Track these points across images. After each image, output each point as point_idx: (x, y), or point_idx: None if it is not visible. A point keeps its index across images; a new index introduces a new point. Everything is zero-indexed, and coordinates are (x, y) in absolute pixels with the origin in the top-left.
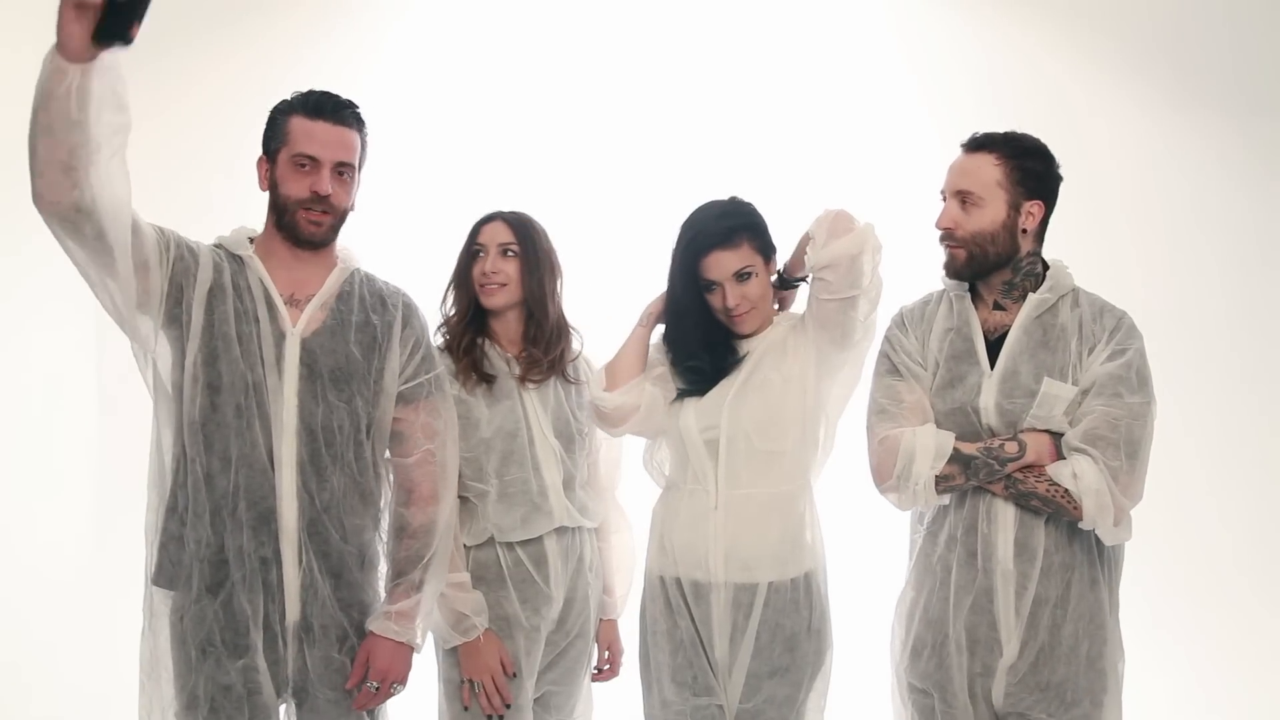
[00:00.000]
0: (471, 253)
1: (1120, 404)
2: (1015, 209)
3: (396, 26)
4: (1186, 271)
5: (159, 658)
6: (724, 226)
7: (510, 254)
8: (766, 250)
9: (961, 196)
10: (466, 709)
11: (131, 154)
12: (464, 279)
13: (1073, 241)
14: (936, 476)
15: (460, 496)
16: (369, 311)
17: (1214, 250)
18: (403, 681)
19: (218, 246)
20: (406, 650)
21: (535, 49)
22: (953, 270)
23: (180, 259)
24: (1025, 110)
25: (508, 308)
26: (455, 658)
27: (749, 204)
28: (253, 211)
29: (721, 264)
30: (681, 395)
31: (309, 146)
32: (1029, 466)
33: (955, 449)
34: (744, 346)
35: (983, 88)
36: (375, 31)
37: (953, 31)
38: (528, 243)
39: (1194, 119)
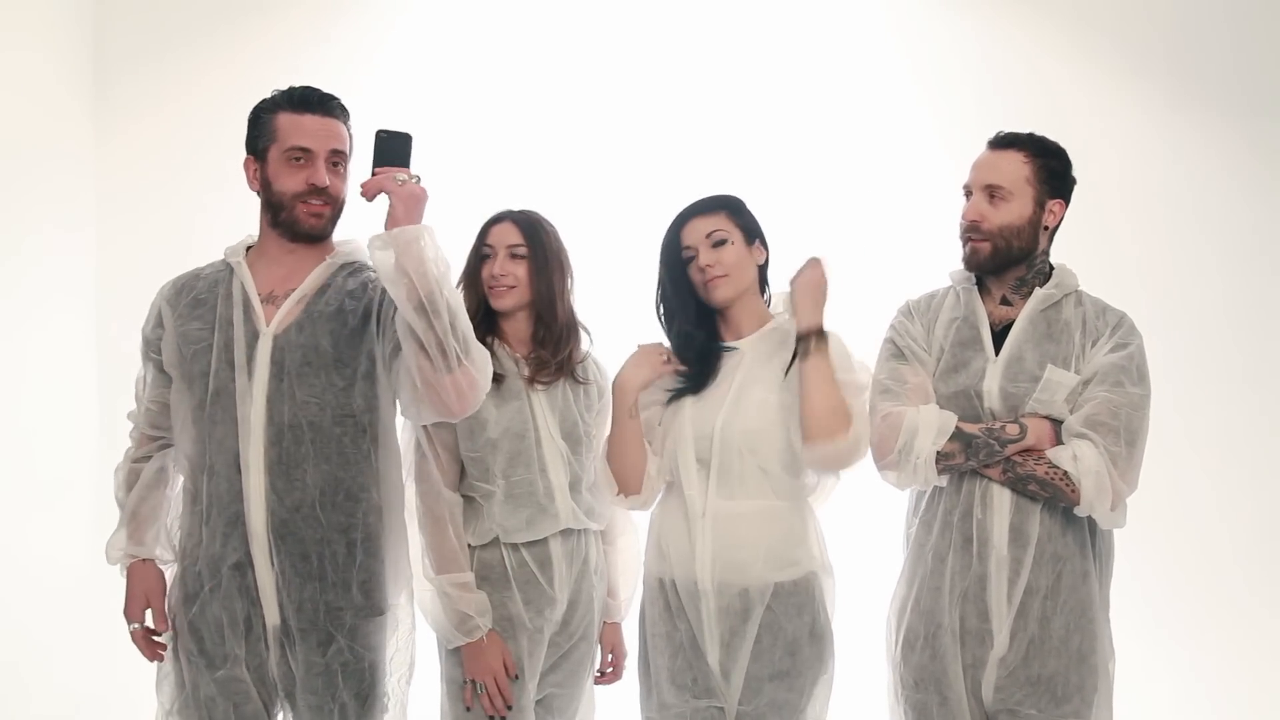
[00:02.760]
0: (480, 254)
1: (1121, 392)
2: (1040, 206)
3: (396, 27)
4: (1186, 271)
5: (165, 668)
6: (704, 199)
7: (519, 256)
8: (748, 230)
9: (990, 191)
10: (469, 709)
11: (132, 153)
12: (473, 280)
13: (1073, 241)
14: (937, 453)
15: (466, 496)
16: (344, 299)
17: (1214, 250)
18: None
19: (222, 259)
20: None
21: (536, 48)
22: (975, 264)
23: (160, 362)
24: (1026, 110)
25: (517, 309)
26: (458, 658)
27: (736, 196)
28: (252, 211)
29: (696, 228)
30: (677, 395)
31: (301, 139)
32: (1028, 450)
33: (957, 428)
34: (736, 341)
35: (983, 88)
36: (375, 32)
37: (953, 32)
38: (536, 244)
39: (1194, 119)
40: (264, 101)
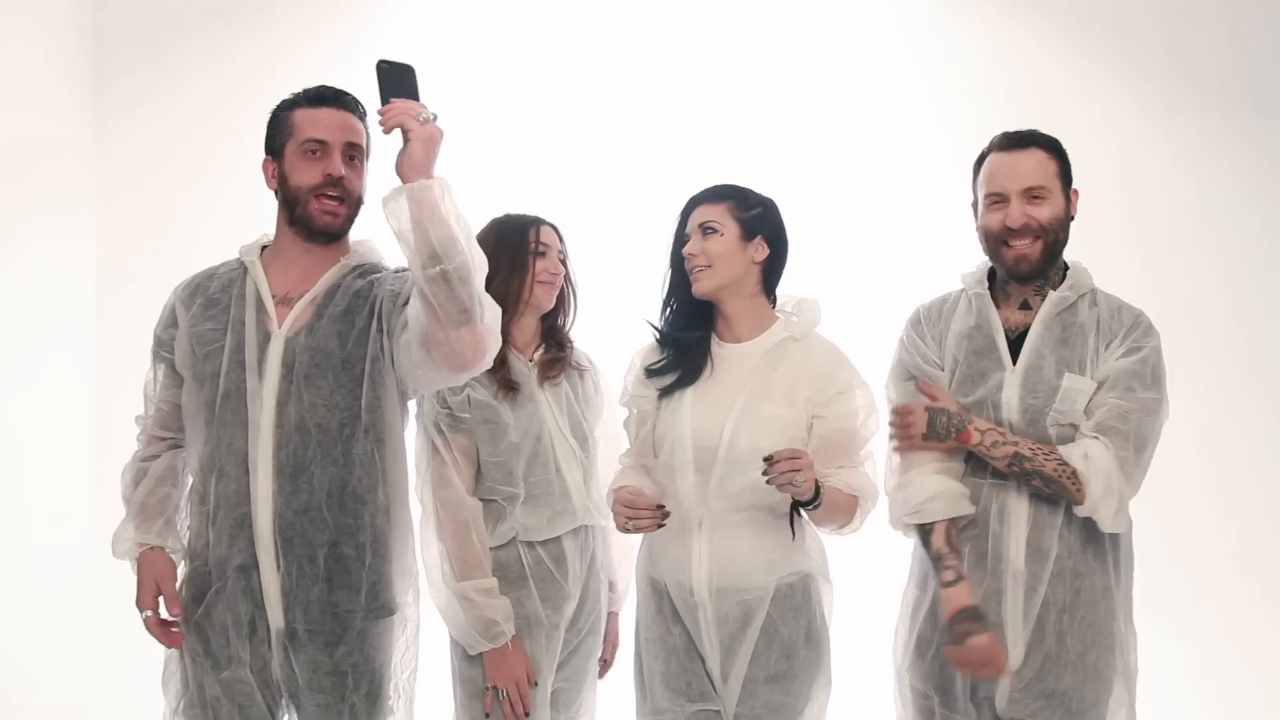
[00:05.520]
0: (536, 251)
1: (1132, 398)
2: (1067, 199)
3: (395, 26)
4: (1187, 271)
5: (170, 665)
6: (717, 186)
7: (562, 260)
8: (751, 227)
9: (1029, 193)
10: (488, 715)
11: (132, 151)
12: (522, 270)
13: (1073, 241)
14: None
15: (488, 500)
16: (351, 299)
17: (1214, 250)
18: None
19: (236, 258)
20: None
21: (536, 48)
22: (1028, 267)
23: (173, 362)
24: (1027, 109)
25: (545, 307)
26: (478, 662)
27: (761, 194)
28: (252, 211)
29: (697, 215)
30: (669, 390)
31: (316, 131)
32: (1040, 445)
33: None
34: (737, 350)
35: (984, 88)
36: (374, 31)
37: (955, 32)
38: (564, 249)
39: (1194, 119)
40: (282, 102)
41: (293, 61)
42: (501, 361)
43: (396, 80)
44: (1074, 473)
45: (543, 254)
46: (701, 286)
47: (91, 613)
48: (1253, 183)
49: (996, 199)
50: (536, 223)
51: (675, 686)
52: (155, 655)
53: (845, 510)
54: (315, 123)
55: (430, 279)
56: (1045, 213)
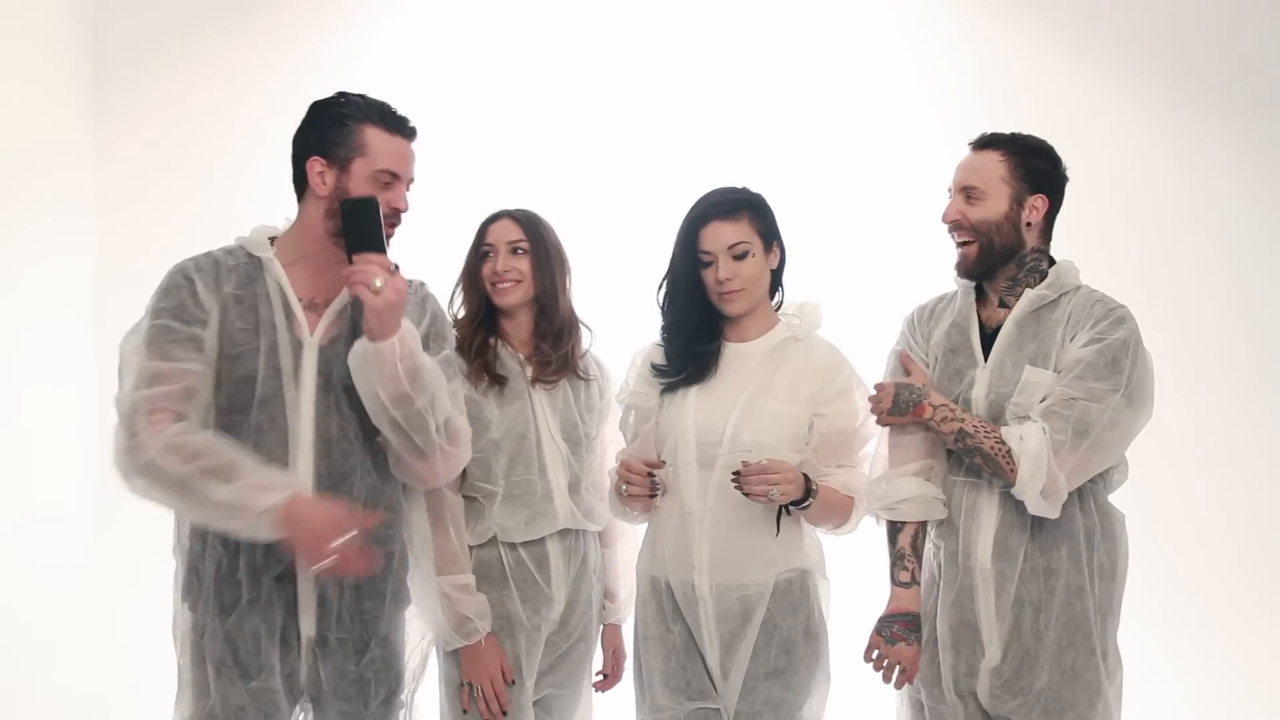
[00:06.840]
0: (480, 253)
1: (1081, 386)
2: (1018, 203)
3: (396, 26)
4: (1186, 271)
5: (184, 674)
6: (728, 199)
7: (520, 251)
8: (768, 237)
9: (966, 191)
10: (466, 712)
11: (132, 151)
12: (474, 279)
13: (1073, 241)
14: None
15: (468, 497)
16: None
17: (1214, 250)
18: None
19: (239, 248)
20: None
21: (536, 46)
22: (965, 268)
23: (200, 344)
24: (1026, 109)
25: (520, 305)
26: (456, 659)
27: (759, 194)
28: (252, 211)
29: (719, 235)
30: (674, 387)
31: (393, 163)
32: (984, 424)
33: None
34: (741, 349)
35: (984, 88)
36: (375, 31)
37: (954, 32)
38: (537, 239)
39: (1194, 119)
40: (347, 106)
41: (293, 61)
42: (486, 348)
43: (361, 225)
44: (1008, 452)
45: (487, 254)
46: (737, 308)
47: (92, 611)
48: (1252, 183)
49: (949, 194)
50: (488, 220)
51: (675, 685)
52: (156, 654)
53: (840, 511)
54: (394, 154)
55: (382, 423)
56: (976, 213)
